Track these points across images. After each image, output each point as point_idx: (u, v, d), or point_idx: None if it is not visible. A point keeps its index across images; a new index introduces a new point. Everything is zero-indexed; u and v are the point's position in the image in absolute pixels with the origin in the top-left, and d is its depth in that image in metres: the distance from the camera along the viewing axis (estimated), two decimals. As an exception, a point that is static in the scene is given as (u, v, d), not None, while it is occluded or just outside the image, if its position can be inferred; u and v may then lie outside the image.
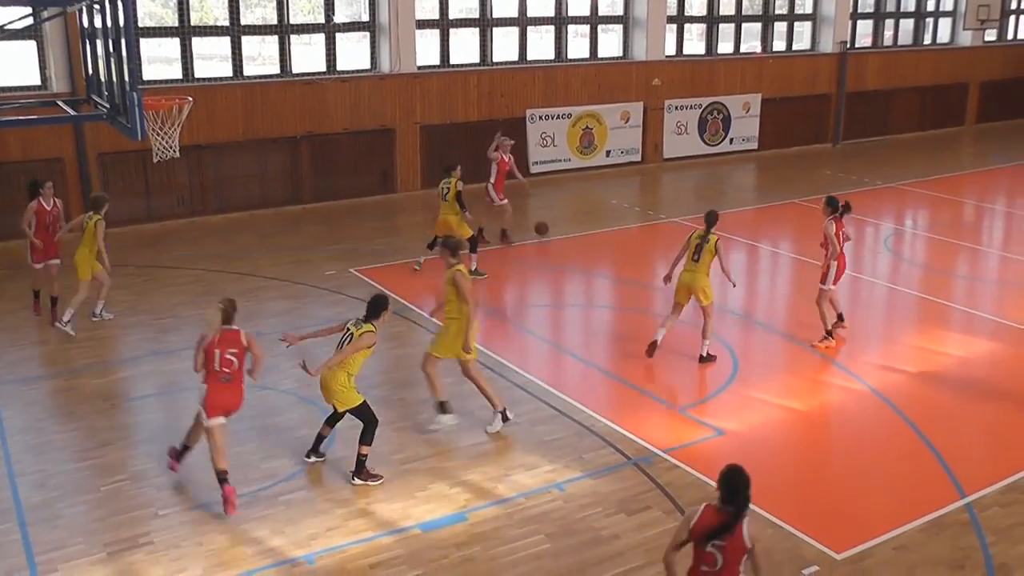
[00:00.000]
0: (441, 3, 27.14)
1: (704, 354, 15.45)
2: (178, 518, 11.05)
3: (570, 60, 29.63)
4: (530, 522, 11.08)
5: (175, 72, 23.92)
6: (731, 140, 32.75)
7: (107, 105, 12.62)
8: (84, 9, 13.29)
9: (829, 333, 16.30)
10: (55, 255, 16.83)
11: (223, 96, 23.92)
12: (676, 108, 31.25)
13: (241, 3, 24.29)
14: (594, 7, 29.92)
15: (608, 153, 30.16)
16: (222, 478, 11.11)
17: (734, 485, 7.88)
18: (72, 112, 14.72)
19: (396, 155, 26.49)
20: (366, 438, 11.86)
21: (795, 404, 14.18)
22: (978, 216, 26.28)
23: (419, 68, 26.63)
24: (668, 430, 13.24)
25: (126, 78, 11.57)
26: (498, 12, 28.17)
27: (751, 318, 17.94)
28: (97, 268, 16.60)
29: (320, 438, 12.36)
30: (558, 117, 28.95)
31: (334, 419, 12.24)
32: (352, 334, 11.73)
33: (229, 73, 24.48)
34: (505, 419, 13.17)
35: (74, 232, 16.91)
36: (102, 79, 12.97)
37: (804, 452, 12.94)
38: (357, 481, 11.85)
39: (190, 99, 14.64)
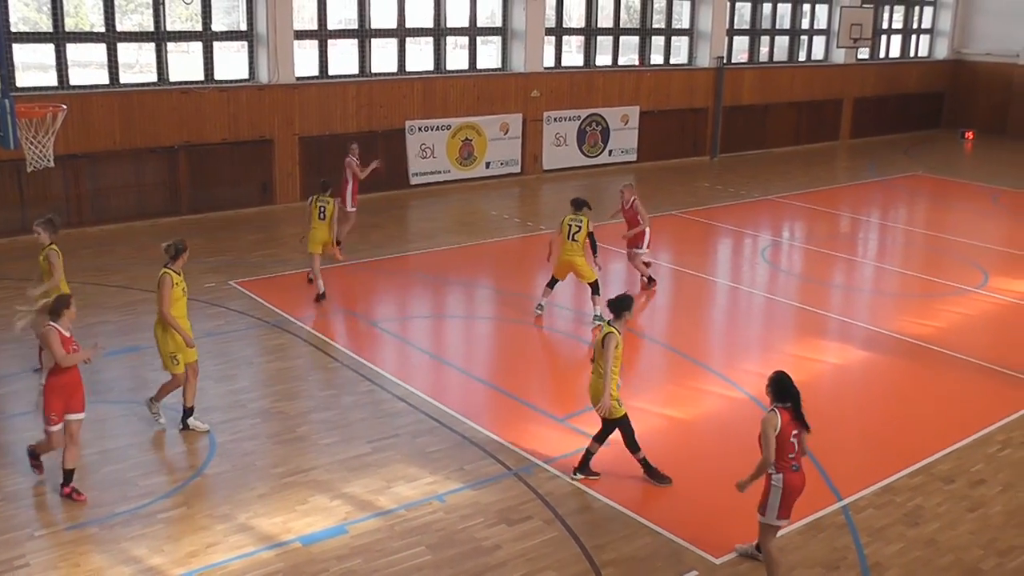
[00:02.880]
0: (319, 13, 27.02)
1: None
2: (55, 539, 10.82)
3: (449, 71, 29.70)
4: (411, 534, 11.08)
5: (50, 79, 23.43)
6: (610, 152, 33.08)
7: (-23, 114, 12.37)
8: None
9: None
10: None
11: (99, 104, 23.47)
12: (555, 120, 31.49)
13: (117, 9, 23.85)
14: (473, 19, 30.00)
15: (488, 164, 30.26)
16: None
17: (782, 387, 9.97)
18: (-59, 121, 14.36)
19: (275, 166, 26.28)
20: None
21: (674, 412, 14.39)
22: (852, 228, 26.90)
23: (298, 78, 26.46)
24: (549, 441, 13.33)
25: (-3, 85, 11.37)
26: (377, 23, 28.09)
27: (631, 329, 18.13)
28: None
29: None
30: (437, 128, 28.97)
31: (602, 436, 12.39)
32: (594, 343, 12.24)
33: (105, 80, 24.04)
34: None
35: None
36: (-28, 87, 12.71)
37: (684, 459, 13.09)
38: (578, 477, 12.34)
39: (64, 107, 14.46)
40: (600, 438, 12.35)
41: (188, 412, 13.38)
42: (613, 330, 11.94)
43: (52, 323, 11.37)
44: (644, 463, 12.34)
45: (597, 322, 17.77)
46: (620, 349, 11.98)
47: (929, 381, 16.03)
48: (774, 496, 9.94)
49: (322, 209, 18.56)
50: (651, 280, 20.16)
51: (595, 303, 18.01)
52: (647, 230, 19.80)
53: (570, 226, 17.80)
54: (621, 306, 12.11)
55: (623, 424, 12.17)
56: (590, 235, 17.72)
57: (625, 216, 20.00)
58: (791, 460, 9.90)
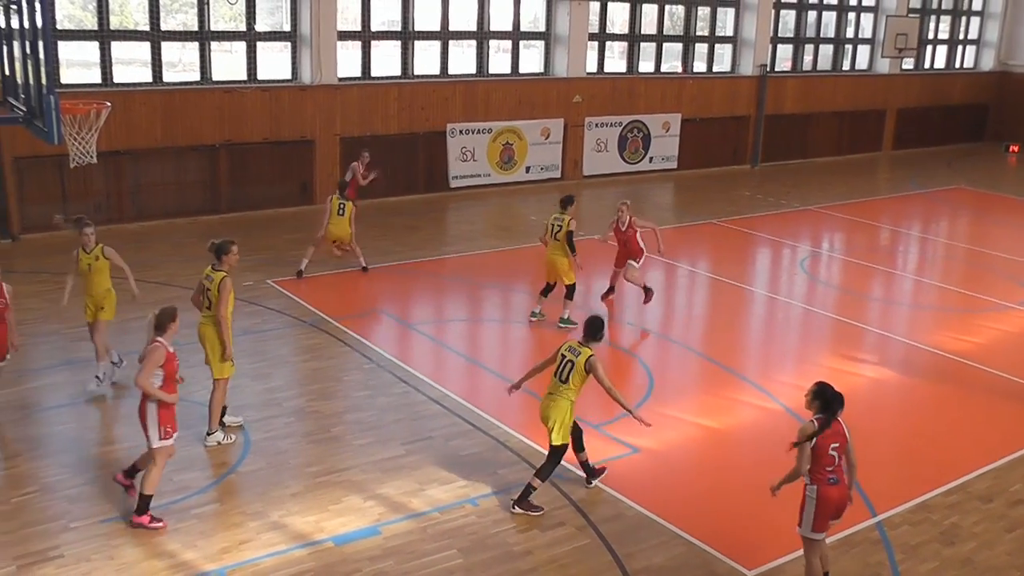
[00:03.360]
0: (363, 15, 27.09)
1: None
2: (89, 531, 10.89)
3: (491, 75, 29.71)
4: (443, 537, 11.08)
5: (94, 76, 23.62)
6: (651, 159, 33.00)
7: (23, 108, 12.46)
8: (1, 9, 13.08)
9: None
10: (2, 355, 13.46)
11: (142, 102, 23.64)
12: (596, 125, 31.45)
13: (161, 8, 24.02)
14: (516, 23, 30.04)
15: (528, 169, 30.27)
16: None
17: (827, 398, 9.79)
18: (-14, 115, 14.46)
19: (315, 166, 26.35)
20: (544, 473, 11.74)
21: (709, 422, 14.32)
22: (893, 241, 26.69)
23: (340, 79, 26.55)
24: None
25: (43, 81, 11.44)
26: (420, 25, 28.17)
27: (667, 337, 18.10)
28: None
29: (585, 464, 12.33)
30: (478, 132, 29.00)
31: (578, 443, 12.21)
32: (573, 362, 11.59)
33: (148, 79, 24.22)
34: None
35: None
36: (18, 81, 12.80)
37: (718, 469, 13.05)
38: (517, 510, 11.62)
39: (108, 104, 14.47)
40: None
41: (223, 411, 13.39)
42: (592, 352, 11.58)
43: (158, 338, 10.90)
44: (585, 465, 12.32)
45: (562, 325, 17.67)
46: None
47: (967, 398, 15.81)
48: (808, 508, 9.77)
49: (341, 207, 20.05)
50: (648, 290, 18.97)
51: (565, 306, 17.84)
52: (641, 243, 18.70)
53: (552, 225, 17.65)
54: (597, 328, 11.72)
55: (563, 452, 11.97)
56: (569, 234, 17.41)
57: (619, 238, 18.75)
58: (828, 472, 9.70)
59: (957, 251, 25.55)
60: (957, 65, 43.57)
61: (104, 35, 23.37)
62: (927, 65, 42.34)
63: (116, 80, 23.75)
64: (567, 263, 17.56)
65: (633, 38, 32.82)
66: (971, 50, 43.96)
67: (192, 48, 24.98)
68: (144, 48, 24.14)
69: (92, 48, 23.51)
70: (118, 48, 23.86)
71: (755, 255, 24.28)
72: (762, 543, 11.23)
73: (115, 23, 23.82)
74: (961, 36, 43.35)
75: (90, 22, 23.56)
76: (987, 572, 10.98)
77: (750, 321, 19.67)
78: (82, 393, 14.30)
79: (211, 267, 12.91)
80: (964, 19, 43.20)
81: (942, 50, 42.92)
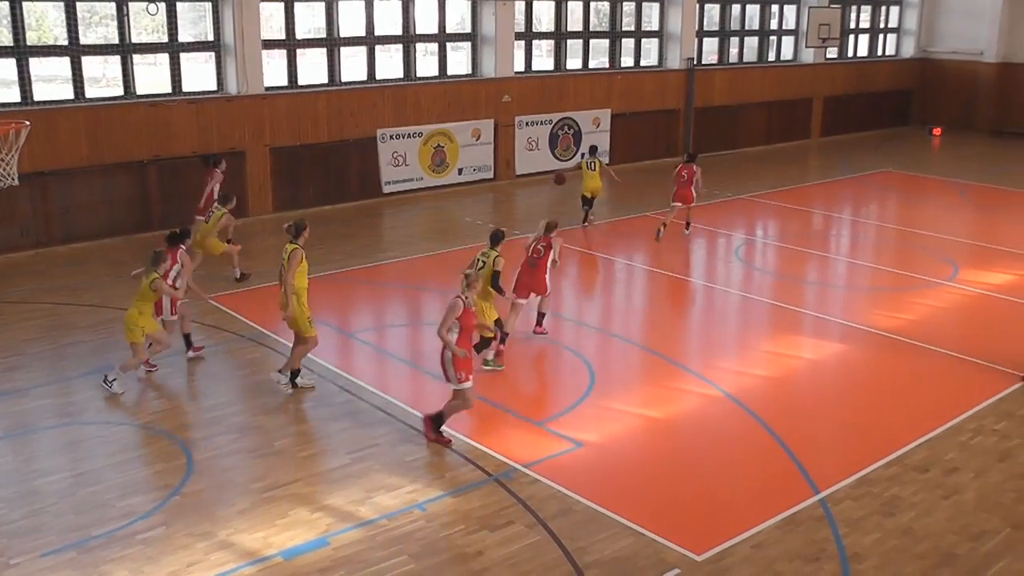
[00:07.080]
0: (287, 23, 26.89)
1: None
2: (32, 566, 10.63)
3: (419, 78, 29.59)
4: (393, 543, 11.01)
5: (13, 95, 23.08)
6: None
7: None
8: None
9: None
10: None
11: (65, 119, 23.23)
12: (527, 124, 31.46)
13: (80, 21, 23.60)
14: (442, 25, 29.94)
15: (460, 171, 30.19)
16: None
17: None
18: (-97, 139, 14.18)
19: (247, 178, 26.06)
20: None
21: (652, 412, 14.36)
22: (825, 225, 26.97)
23: (267, 89, 26.33)
24: (528, 445, 13.28)
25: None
26: (345, 31, 27.99)
27: (606, 330, 18.11)
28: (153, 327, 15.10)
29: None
30: (409, 136, 28.88)
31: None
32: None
33: (70, 95, 23.79)
34: None
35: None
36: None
37: (662, 459, 13.11)
38: None
39: (27, 123, 14.28)
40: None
41: (296, 373, 15.04)
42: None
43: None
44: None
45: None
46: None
47: (902, 373, 16.13)
48: None
49: (208, 216, 20.78)
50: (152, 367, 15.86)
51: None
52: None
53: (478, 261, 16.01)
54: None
55: None
56: (494, 275, 15.80)
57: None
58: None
59: (887, 232, 25.86)
60: (880, 53, 44.08)
61: (21, 51, 22.83)
62: (851, 54, 42.83)
63: (37, 98, 23.23)
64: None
65: (560, 36, 32.84)
66: (892, 38, 44.51)
67: (114, 62, 24.58)
68: (64, 64, 23.72)
69: (9, 65, 22.94)
70: (37, 64, 23.34)
71: (691, 245, 24.36)
72: (709, 528, 11.35)
73: (32, 38, 23.38)
74: (882, 25, 43.87)
75: (5, 38, 23.02)
76: (926, 539, 11.21)
77: (688, 311, 19.75)
78: (16, 425, 14.03)
79: (289, 242, 14.73)
80: (884, 8, 43.69)
81: (864, 39, 43.43)
